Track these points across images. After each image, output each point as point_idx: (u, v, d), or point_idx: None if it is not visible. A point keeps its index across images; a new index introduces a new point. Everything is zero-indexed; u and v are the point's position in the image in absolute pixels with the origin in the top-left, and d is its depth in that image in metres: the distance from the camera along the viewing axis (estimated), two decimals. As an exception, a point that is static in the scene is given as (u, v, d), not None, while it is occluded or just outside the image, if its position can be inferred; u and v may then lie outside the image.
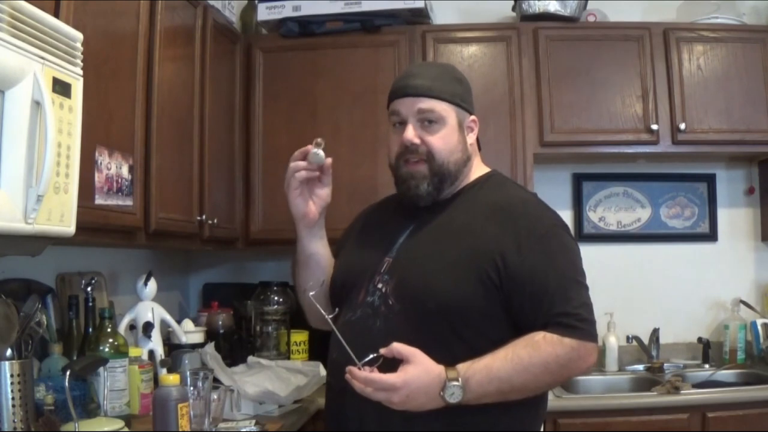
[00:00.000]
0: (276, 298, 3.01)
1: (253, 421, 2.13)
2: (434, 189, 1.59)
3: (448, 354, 1.43)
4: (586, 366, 1.46)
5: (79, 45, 1.52)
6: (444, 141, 1.58)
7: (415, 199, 1.60)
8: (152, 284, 2.40)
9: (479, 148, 1.73)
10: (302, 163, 1.64)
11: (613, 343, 3.09)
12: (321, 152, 1.63)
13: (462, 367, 1.40)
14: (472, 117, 1.66)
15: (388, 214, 1.73)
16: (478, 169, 1.69)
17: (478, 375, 1.40)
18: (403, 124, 1.60)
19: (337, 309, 1.59)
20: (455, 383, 1.38)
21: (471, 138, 1.65)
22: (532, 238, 1.49)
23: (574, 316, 1.44)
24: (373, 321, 1.53)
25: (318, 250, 1.73)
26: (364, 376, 1.39)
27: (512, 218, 1.52)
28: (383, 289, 1.54)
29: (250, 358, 2.66)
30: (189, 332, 2.57)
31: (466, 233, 1.53)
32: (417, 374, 1.38)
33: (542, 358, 1.41)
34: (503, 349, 1.42)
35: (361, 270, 1.61)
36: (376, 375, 1.39)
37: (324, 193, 1.69)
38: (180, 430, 1.75)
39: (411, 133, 1.57)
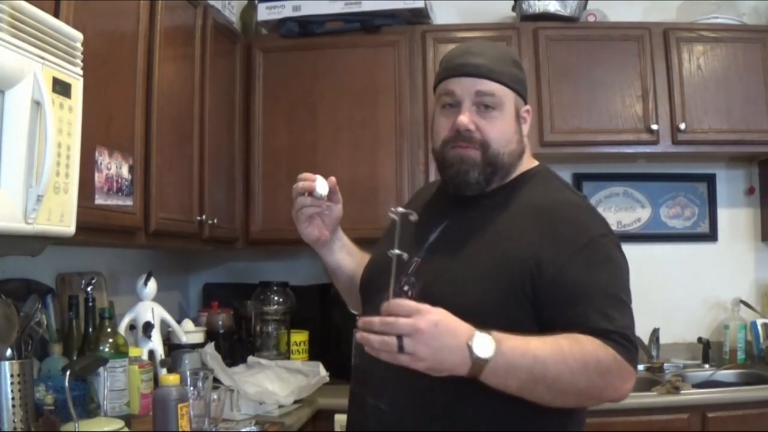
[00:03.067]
0: (276, 298, 3.01)
1: (253, 421, 2.13)
2: (484, 179, 1.44)
3: None
4: (623, 388, 1.27)
5: (79, 45, 1.52)
6: (501, 129, 1.43)
7: (462, 186, 1.45)
8: (152, 284, 2.40)
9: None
10: (308, 200, 1.53)
11: (613, 343, 3.09)
12: (324, 183, 1.53)
13: (495, 332, 1.22)
14: (527, 107, 1.50)
15: (427, 205, 1.58)
16: (526, 163, 1.51)
17: (513, 341, 1.21)
18: (455, 106, 1.43)
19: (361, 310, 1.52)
20: (487, 335, 1.19)
21: (525, 129, 1.50)
22: (573, 247, 1.33)
23: (617, 334, 1.28)
24: None
25: (341, 262, 1.64)
26: (386, 306, 1.20)
27: (553, 223, 1.36)
28: (409, 293, 1.41)
29: (250, 358, 2.66)
30: (189, 332, 2.57)
31: (500, 237, 1.39)
32: (446, 313, 1.21)
33: (583, 354, 1.23)
34: (543, 336, 1.26)
35: (389, 269, 1.44)
36: (402, 301, 1.21)
37: (334, 214, 1.59)
38: (180, 430, 1.75)
39: (467, 118, 1.41)
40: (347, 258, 1.65)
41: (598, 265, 1.35)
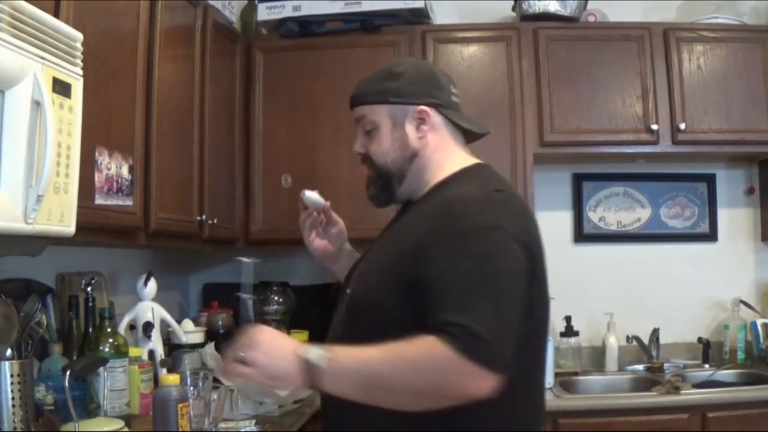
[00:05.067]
0: (276, 298, 3.01)
1: (253, 421, 2.13)
2: (382, 191, 1.56)
3: None
4: (470, 386, 1.20)
5: (79, 45, 1.52)
6: (378, 146, 1.54)
7: (373, 202, 1.60)
8: (152, 284, 2.40)
9: (473, 138, 1.61)
10: (303, 213, 1.72)
11: (613, 343, 3.09)
12: (313, 194, 1.71)
13: (332, 346, 1.33)
14: (419, 108, 1.51)
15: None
16: (453, 165, 1.52)
17: (346, 349, 1.29)
18: None
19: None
20: (317, 347, 1.29)
21: (420, 132, 1.52)
22: (446, 238, 1.32)
23: (460, 329, 1.20)
24: (335, 329, 1.52)
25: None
26: (228, 352, 1.34)
27: (440, 217, 1.37)
28: (347, 297, 1.53)
29: (250, 358, 2.65)
30: (189, 332, 2.57)
31: (401, 233, 1.47)
32: (272, 330, 1.37)
33: (416, 353, 1.23)
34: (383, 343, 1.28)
35: (348, 276, 1.63)
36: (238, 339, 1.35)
37: (335, 231, 1.76)
38: (180, 430, 1.75)
39: (356, 144, 1.60)
40: None
41: (465, 257, 1.29)
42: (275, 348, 1.32)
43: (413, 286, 1.31)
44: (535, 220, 1.47)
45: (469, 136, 1.60)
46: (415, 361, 1.24)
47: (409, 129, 1.52)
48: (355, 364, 1.28)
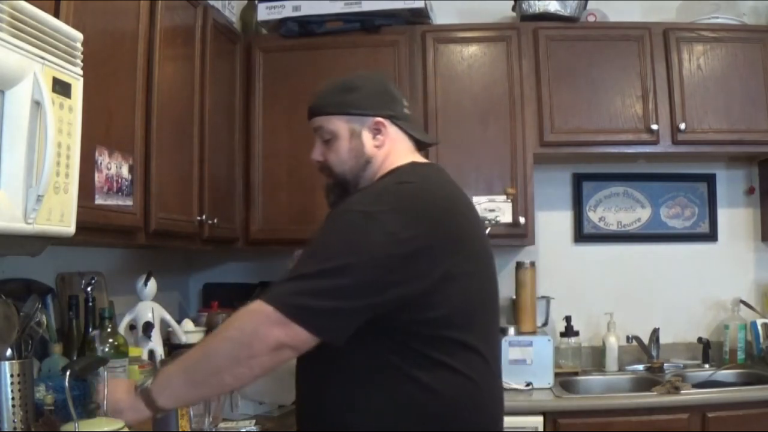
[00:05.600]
0: (276, 298, 3.01)
1: (253, 421, 2.13)
2: (339, 197, 1.64)
3: (320, 356, 1.43)
4: (272, 334, 1.34)
5: (79, 45, 1.52)
6: (337, 154, 1.63)
7: (332, 208, 1.63)
8: (152, 284, 2.40)
9: (420, 146, 1.69)
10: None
11: (613, 343, 3.09)
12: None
13: None
14: (375, 119, 1.62)
15: None
16: (388, 165, 1.63)
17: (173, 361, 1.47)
18: None
19: None
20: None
21: (377, 141, 1.62)
22: (325, 222, 1.48)
23: (279, 285, 1.39)
24: None
25: None
26: None
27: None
28: None
29: (250, 358, 2.65)
30: (189, 332, 2.57)
31: None
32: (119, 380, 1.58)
33: (227, 321, 1.44)
34: None
35: None
36: None
37: None
38: (180, 430, 1.75)
39: (315, 153, 1.67)
40: None
41: (323, 231, 1.44)
42: (116, 388, 1.51)
43: None
44: (461, 214, 1.54)
45: (420, 144, 1.71)
46: (227, 326, 1.41)
47: (366, 138, 1.62)
48: (175, 365, 1.42)
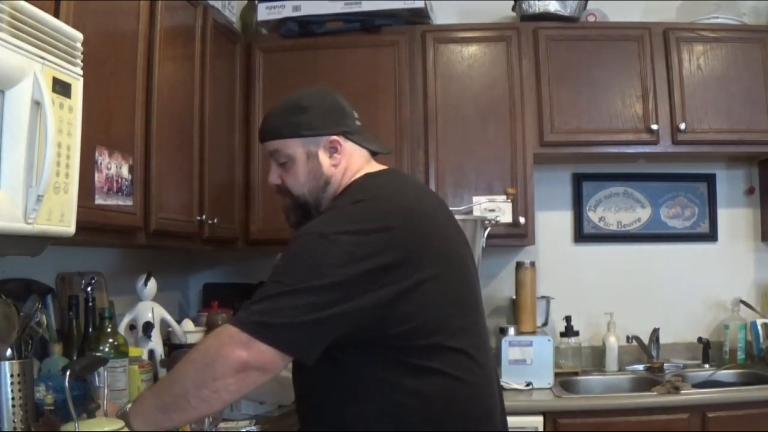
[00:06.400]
0: (276, 298, 3.01)
1: (253, 421, 2.13)
2: (302, 218, 1.64)
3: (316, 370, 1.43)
4: (234, 353, 1.32)
5: (79, 45, 1.52)
6: (295, 177, 1.63)
7: (294, 229, 1.64)
8: (152, 284, 2.40)
9: (373, 154, 1.69)
10: None
11: (613, 343, 3.09)
12: None
13: None
14: (330, 138, 1.61)
15: None
16: (346, 183, 1.64)
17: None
18: None
19: None
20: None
21: (334, 159, 1.62)
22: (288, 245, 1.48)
23: (244, 308, 1.38)
24: None
25: None
26: None
27: None
28: None
29: (250, 358, 2.65)
30: (189, 332, 2.57)
31: None
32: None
33: (196, 347, 1.42)
34: None
35: None
36: None
37: None
38: (180, 430, 1.75)
39: (272, 176, 1.68)
40: None
41: (283, 257, 1.45)
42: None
43: None
44: (426, 217, 1.53)
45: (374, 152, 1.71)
46: (194, 351, 1.40)
47: (323, 158, 1.62)
48: (149, 389, 1.46)
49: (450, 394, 1.44)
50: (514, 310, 3.10)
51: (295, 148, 1.62)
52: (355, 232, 1.42)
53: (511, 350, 2.79)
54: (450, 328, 1.46)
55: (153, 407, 1.39)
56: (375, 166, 1.67)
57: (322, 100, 1.66)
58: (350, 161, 1.64)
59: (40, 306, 1.84)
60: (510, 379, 2.73)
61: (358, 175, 1.62)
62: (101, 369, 1.87)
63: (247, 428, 2.07)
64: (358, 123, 1.68)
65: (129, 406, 1.44)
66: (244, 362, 1.32)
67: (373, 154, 1.70)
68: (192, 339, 2.53)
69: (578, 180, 3.35)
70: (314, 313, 1.34)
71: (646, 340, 3.11)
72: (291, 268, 1.40)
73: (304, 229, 1.48)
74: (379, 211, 1.48)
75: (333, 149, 1.62)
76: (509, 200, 2.92)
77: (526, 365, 2.78)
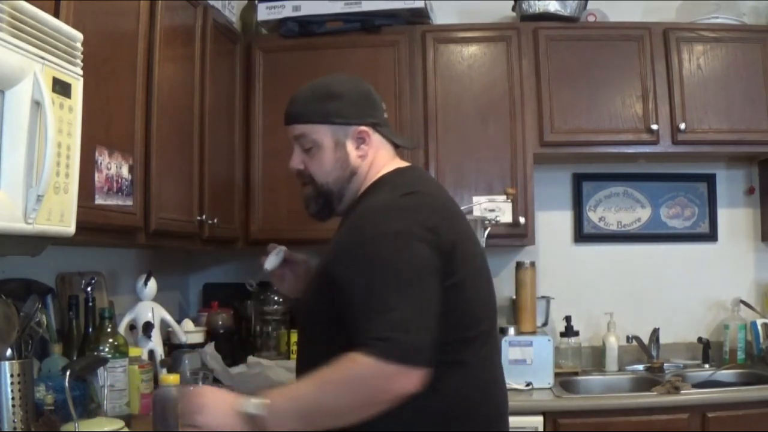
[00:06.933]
0: (276, 298, 3.02)
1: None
2: (323, 207, 1.62)
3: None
4: (393, 387, 1.29)
5: (79, 45, 1.52)
6: (320, 164, 1.59)
7: (313, 218, 1.64)
8: (152, 284, 2.40)
9: (395, 146, 1.66)
10: (273, 279, 1.78)
11: (613, 343, 3.09)
12: (272, 261, 1.74)
13: (271, 391, 1.40)
14: (360, 128, 1.58)
15: None
16: (373, 174, 1.61)
17: (282, 389, 1.40)
18: None
19: None
20: (255, 397, 1.36)
21: (361, 151, 1.58)
22: (349, 249, 1.43)
23: (373, 340, 1.29)
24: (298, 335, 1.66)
25: None
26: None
27: (348, 229, 1.50)
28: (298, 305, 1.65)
29: (250, 358, 2.66)
30: (189, 332, 2.57)
31: (330, 246, 1.53)
32: (212, 389, 1.47)
33: (339, 374, 1.32)
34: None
35: None
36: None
37: (302, 270, 1.78)
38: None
39: (294, 161, 1.63)
40: None
41: (367, 265, 1.38)
42: (218, 408, 1.39)
43: (336, 296, 1.40)
44: (457, 216, 1.55)
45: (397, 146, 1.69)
46: (342, 380, 1.33)
47: (350, 148, 1.58)
48: (291, 403, 1.36)
49: (478, 387, 1.47)
50: (514, 310, 3.10)
51: (324, 134, 1.58)
52: (423, 222, 1.41)
53: (511, 350, 2.78)
54: (478, 323, 1.48)
55: (294, 421, 1.34)
56: (401, 162, 1.64)
57: (354, 88, 1.62)
58: (377, 154, 1.60)
59: (40, 306, 1.84)
60: (510, 379, 2.70)
61: (386, 170, 1.59)
62: (101, 369, 1.87)
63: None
64: (386, 115, 1.65)
65: (260, 409, 1.35)
66: (408, 391, 1.30)
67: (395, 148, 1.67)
68: (192, 339, 2.53)
69: (578, 180, 3.35)
70: (433, 314, 1.34)
71: (646, 340, 3.10)
72: (390, 278, 1.34)
73: (381, 231, 1.40)
74: (434, 204, 1.49)
75: (361, 140, 1.58)
76: (509, 200, 2.92)
77: (526, 365, 2.78)
